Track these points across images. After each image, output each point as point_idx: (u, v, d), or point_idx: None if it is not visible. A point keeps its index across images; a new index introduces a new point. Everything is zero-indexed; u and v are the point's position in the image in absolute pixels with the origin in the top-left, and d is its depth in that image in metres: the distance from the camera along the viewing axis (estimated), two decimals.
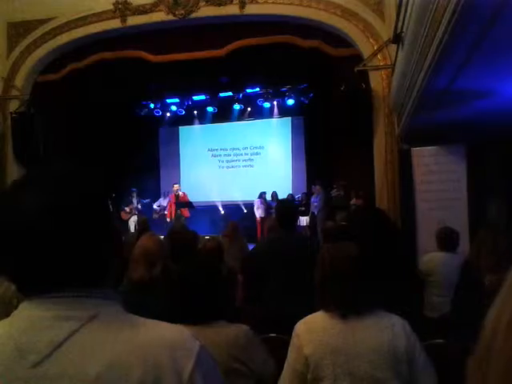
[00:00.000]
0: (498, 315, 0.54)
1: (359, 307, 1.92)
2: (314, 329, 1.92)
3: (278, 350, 2.16)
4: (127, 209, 11.54)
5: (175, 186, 11.81)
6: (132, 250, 3.03)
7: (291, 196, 11.98)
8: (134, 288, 2.77)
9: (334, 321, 1.91)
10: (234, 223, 5.95)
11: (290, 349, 1.95)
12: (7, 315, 0.85)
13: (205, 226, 11.60)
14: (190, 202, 11.75)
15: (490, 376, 0.53)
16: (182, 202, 12.99)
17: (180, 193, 11.65)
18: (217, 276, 2.15)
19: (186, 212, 11.52)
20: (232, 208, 13.08)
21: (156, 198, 12.78)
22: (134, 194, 11.87)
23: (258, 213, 12.06)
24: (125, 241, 5.22)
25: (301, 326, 1.97)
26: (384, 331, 1.86)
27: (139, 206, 11.80)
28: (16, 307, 0.86)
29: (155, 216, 11.48)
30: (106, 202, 0.92)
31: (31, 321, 0.81)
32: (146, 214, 11.47)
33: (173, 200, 11.66)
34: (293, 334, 1.97)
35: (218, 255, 4.14)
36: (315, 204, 10.72)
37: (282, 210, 3.76)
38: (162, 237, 3.58)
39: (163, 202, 12.09)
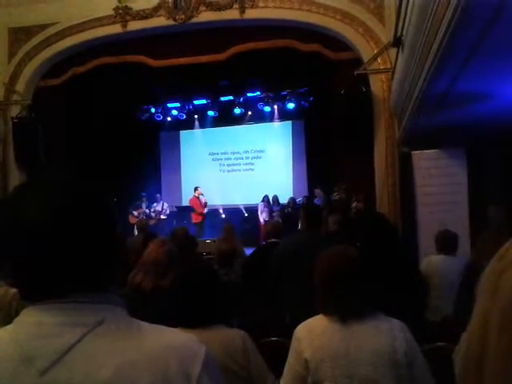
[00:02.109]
0: (484, 316, 0.60)
1: (359, 311, 1.91)
2: (313, 332, 1.92)
3: (279, 353, 2.16)
4: (136, 213, 11.57)
5: (199, 189, 11.83)
6: (136, 253, 3.01)
7: (292, 199, 11.95)
8: (141, 297, 2.74)
9: (333, 324, 1.91)
10: (230, 226, 5.91)
11: (290, 352, 1.95)
12: (6, 318, 0.85)
13: (206, 230, 11.60)
14: (189, 207, 11.84)
15: (485, 376, 0.56)
16: (185, 206, 13.09)
17: (202, 198, 11.72)
18: (216, 280, 2.16)
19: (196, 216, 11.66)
20: (233, 212, 13.06)
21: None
22: (144, 199, 11.91)
23: (263, 216, 12.00)
24: (129, 244, 5.22)
25: (301, 330, 1.97)
26: (383, 335, 1.86)
27: (147, 211, 11.83)
28: (16, 310, 0.86)
29: (152, 222, 11.49)
30: (108, 208, 0.92)
31: (37, 327, 0.81)
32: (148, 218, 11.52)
33: (195, 204, 11.71)
34: (293, 338, 1.97)
35: (231, 259, 4.13)
36: None
37: (310, 211, 3.77)
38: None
39: (157, 206, 12.11)
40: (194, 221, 11.66)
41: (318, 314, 2.01)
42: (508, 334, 0.56)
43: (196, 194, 11.78)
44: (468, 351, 0.62)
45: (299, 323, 2.01)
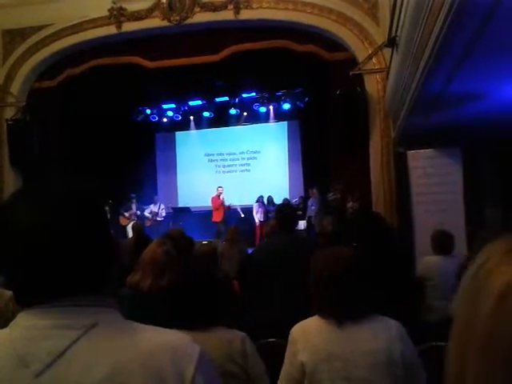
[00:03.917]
0: (462, 331, 0.57)
1: (355, 312, 1.91)
2: (309, 334, 1.92)
3: (276, 354, 2.16)
4: (126, 214, 11.55)
5: (219, 188, 11.91)
6: (129, 255, 3.00)
7: (287, 200, 11.96)
8: (139, 297, 2.73)
9: (329, 326, 1.90)
10: (234, 228, 5.99)
11: (286, 354, 1.95)
12: (3, 319, 0.86)
13: (202, 231, 11.58)
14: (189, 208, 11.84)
15: (469, 352, 0.55)
16: (181, 208, 13.06)
17: (221, 196, 11.82)
18: (213, 282, 2.15)
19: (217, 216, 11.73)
20: (230, 212, 13.05)
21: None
22: (134, 200, 11.88)
23: (258, 217, 12.02)
24: (122, 246, 5.22)
25: (297, 331, 1.96)
26: (380, 335, 1.85)
27: (138, 212, 11.81)
28: (12, 312, 0.87)
29: (148, 222, 11.47)
30: (103, 213, 0.93)
31: (32, 330, 0.81)
32: (144, 219, 11.52)
33: (216, 202, 11.79)
34: (289, 339, 1.96)
35: (211, 260, 4.12)
36: (312, 208, 10.71)
37: (283, 213, 3.76)
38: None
39: (154, 208, 12.10)
40: (214, 220, 11.76)
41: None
42: (490, 354, 0.52)
43: (217, 193, 11.87)
44: (448, 370, 0.59)
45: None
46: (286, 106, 12.61)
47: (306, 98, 12.37)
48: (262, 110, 13.10)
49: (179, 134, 14.61)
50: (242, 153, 14.21)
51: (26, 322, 0.83)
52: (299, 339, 1.91)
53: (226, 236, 5.64)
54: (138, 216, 11.62)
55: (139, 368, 0.79)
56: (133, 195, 11.92)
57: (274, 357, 2.16)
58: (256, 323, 3.18)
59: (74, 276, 0.84)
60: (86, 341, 0.81)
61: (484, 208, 7.03)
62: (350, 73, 8.14)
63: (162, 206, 12.28)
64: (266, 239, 4.14)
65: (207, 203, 12.79)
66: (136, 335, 0.85)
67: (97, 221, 0.90)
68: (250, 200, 12.52)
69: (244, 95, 12.66)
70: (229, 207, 11.97)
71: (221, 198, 11.85)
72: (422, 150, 6.99)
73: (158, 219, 11.98)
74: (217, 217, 11.78)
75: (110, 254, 0.92)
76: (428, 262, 4.44)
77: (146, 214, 12.00)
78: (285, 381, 1.91)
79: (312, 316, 1.99)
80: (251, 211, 12.32)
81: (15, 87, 9.41)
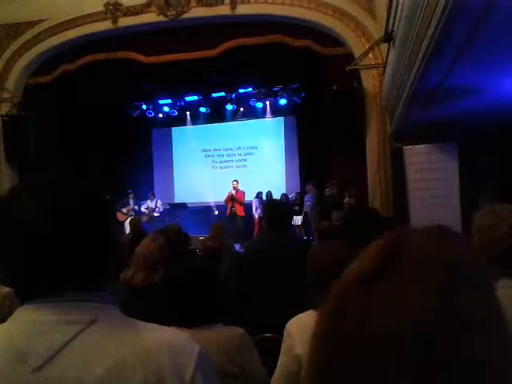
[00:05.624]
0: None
1: None
2: (305, 328, 1.92)
3: (273, 349, 2.16)
4: (124, 210, 11.50)
5: (234, 182, 11.65)
6: (126, 251, 2.99)
7: (285, 195, 11.94)
8: (133, 293, 2.72)
9: None
10: (219, 224, 5.87)
11: (282, 349, 1.95)
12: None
13: (198, 227, 11.54)
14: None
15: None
16: (178, 203, 12.99)
17: (233, 192, 11.52)
18: (212, 279, 2.14)
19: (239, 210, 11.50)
20: (226, 208, 13.03)
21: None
22: (131, 196, 11.84)
23: (257, 213, 11.96)
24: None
25: (292, 326, 1.96)
26: None
27: (136, 208, 11.77)
28: (9, 308, 0.86)
29: (145, 218, 11.44)
30: (104, 207, 0.92)
31: (31, 325, 0.81)
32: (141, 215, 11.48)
33: (229, 197, 11.58)
34: (284, 334, 1.96)
35: (219, 256, 4.11)
36: (308, 203, 10.71)
37: (271, 210, 3.74)
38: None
39: (151, 203, 12.07)
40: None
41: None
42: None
43: (233, 188, 11.61)
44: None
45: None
46: (283, 102, 12.59)
47: (303, 94, 12.35)
48: (259, 105, 13.07)
49: (175, 130, 14.56)
50: (239, 148, 14.18)
51: (25, 317, 0.83)
52: (295, 333, 1.91)
53: (210, 232, 5.34)
54: (135, 212, 11.58)
55: (138, 366, 0.79)
56: (130, 191, 11.88)
57: (270, 352, 2.16)
58: (246, 319, 3.19)
59: (75, 271, 0.84)
60: (85, 337, 0.80)
61: (480, 203, 7.04)
62: (347, 68, 8.14)
63: (159, 202, 12.25)
64: (255, 237, 4.11)
65: (204, 199, 12.77)
66: (135, 332, 0.85)
67: (99, 217, 0.90)
68: (247, 196, 12.48)
69: (240, 90, 12.63)
70: (233, 198, 11.70)
71: (232, 192, 11.54)
72: (418, 146, 7.01)
73: (155, 215, 11.95)
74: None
75: (111, 248, 0.91)
76: None
77: (143, 209, 11.97)
78: (281, 374, 1.90)
79: (304, 311, 1.99)
80: (248, 207, 12.28)
81: (10, 83, 9.37)
